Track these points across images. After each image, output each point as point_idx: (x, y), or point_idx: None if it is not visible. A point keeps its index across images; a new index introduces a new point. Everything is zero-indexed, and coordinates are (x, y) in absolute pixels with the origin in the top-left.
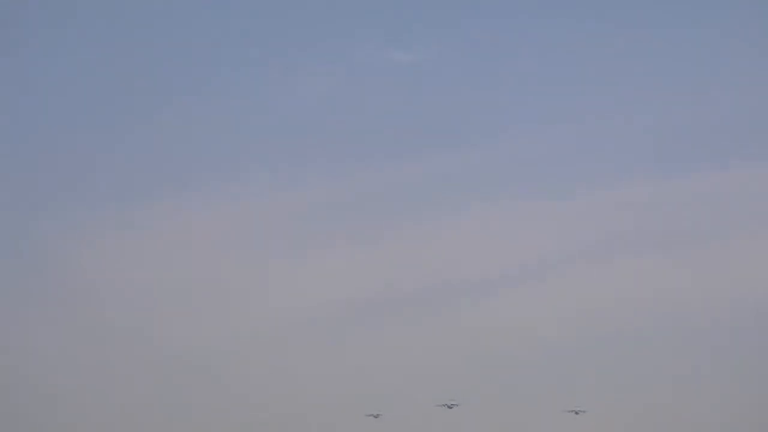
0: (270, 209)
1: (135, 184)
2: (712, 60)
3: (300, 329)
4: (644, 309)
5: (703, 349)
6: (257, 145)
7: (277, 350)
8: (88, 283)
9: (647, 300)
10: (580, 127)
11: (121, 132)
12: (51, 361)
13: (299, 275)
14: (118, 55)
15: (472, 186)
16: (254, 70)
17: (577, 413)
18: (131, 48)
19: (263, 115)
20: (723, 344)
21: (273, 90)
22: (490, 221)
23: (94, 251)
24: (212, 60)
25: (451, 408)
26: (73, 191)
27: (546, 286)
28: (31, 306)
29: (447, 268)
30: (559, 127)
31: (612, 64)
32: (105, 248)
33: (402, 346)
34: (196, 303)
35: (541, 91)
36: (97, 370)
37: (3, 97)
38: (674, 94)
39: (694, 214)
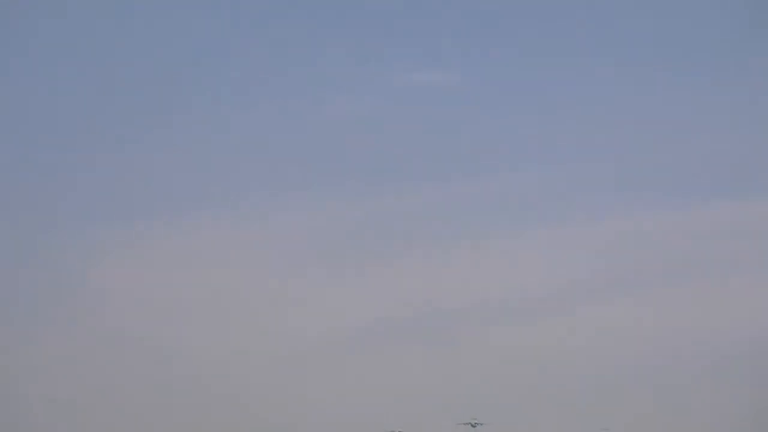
0: (291, 229)
1: (151, 198)
2: (714, 92)
3: (320, 349)
4: (668, 338)
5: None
6: (279, 163)
7: (295, 369)
8: (99, 295)
9: (672, 329)
10: (612, 160)
11: (137, 143)
12: (57, 370)
13: (321, 295)
14: (135, 64)
15: (498, 212)
16: (282, 87)
17: None
18: (155, 57)
19: (288, 132)
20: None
21: (301, 108)
22: (516, 248)
23: (105, 265)
24: (240, 73)
25: (474, 427)
26: (86, 204)
27: (574, 314)
28: (38, 316)
29: (471, 292)
30: (588, 156)
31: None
32: (117, 262)
33: (424, 367)
34: (211, 320)
35: (574, 116)
36: (103, 380)
37: (9, 106)
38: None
39: (711, 244)
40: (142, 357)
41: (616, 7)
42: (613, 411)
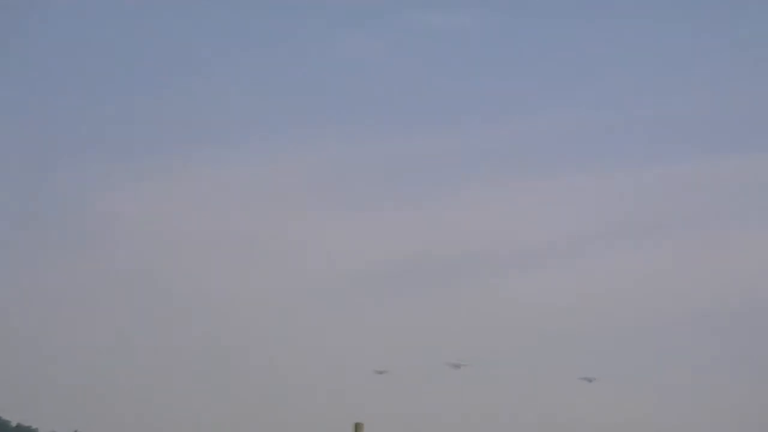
0: (294, 168)
1: (163, 136)
2: (715, 51)
3: (317, 290)
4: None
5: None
6: (285, 103)
7: (292, 308)
8: (103, 227)
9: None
10: (617, 108)
11: (147, 84)
12: (61, 307)
13: (321, 236)
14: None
15: (505, 160)
16: (289, 28)
17: (590, 381)
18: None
19: (297, 74)
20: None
21: (308, 49)
22: (523, 197)
23: (110, 198)
24: (250, 12)
25: (458, 368)
26: (100, 142)
27: (575, 263)
28: (45, 252)
29: (473, 239)
30: (592, 104)
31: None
32: (123, 195)
33: (419, 311)
34: (211, 257)
35: (584, 65)
36: (107, 315)
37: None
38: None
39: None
40: (143, 291)
41: None
42: (600, 361)
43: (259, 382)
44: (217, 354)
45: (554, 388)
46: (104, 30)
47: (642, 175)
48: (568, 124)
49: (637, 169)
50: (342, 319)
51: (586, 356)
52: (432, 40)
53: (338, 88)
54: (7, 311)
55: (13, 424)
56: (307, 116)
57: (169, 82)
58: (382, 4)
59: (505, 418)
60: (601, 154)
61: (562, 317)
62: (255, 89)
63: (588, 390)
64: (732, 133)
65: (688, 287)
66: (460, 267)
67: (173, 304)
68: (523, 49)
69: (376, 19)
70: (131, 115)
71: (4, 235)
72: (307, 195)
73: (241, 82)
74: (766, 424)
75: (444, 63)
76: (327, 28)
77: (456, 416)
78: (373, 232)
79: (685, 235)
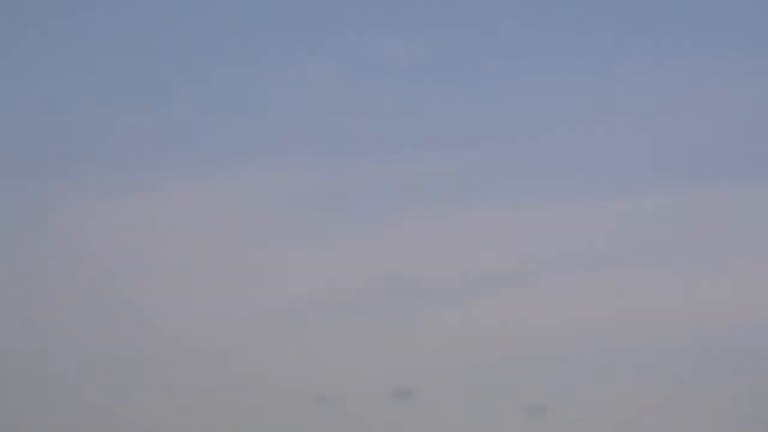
0: (262, 194)
1: (122, 159)
2: (718, 78)
3: (270, 317)
4: (633, 322)
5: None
6: (250, 128)
7: (245, 334)
8: (91, 254)
9: (637, 313)
10: (583, 134)
11: (112, 104)
12: (47, 330)
13: (282, 262)
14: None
15: (470, 186)
16: (249, 58)
17: (540, 411)
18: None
19: (261, 97)
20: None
21: (266, 78)
22: (487, 222)
23: (72, 223)
24: (213, 37)
25: (404, 396)
26: (84, 162)
27: (537, 291)
28: (31, 272)
29: (433, 265)
30: (561, 131)
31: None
32: (86, 222)
33: (368, 338)
34: (194, 282)
35: (545, 91)
36: (90, 338)
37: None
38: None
39: (695, 229)
40: (129, 318)
41: None
42: (553, 389)
43: (205, 402)
44: (184, 378)
45: (503, 417)
46: (76, 42)
47: (599, 206)
48: (536, 150)
49: (596, 200)
50: (290, 347)
51: (539, 385)
52: (391, 65)
53: (305, 113)
54: None
55: None
56: (273, 142)
57: (141, 98)
58: (334, 31)
59: None
60: (568, 182)
61: (514, 345)
62: (231, 111)
63: (539, 420)
64: (704, 165)
65: (652, 318)
66: (412, 294)
67: (142, 330)
68: (491, 73)
69: (327, 47)
70: (100, 132)
71: None
72: (271, 221)
73: (215, 104)
74: None
75: (403, 88)
76: (279, 57)
77: None
78: (331, 258)
79: (654, 266)
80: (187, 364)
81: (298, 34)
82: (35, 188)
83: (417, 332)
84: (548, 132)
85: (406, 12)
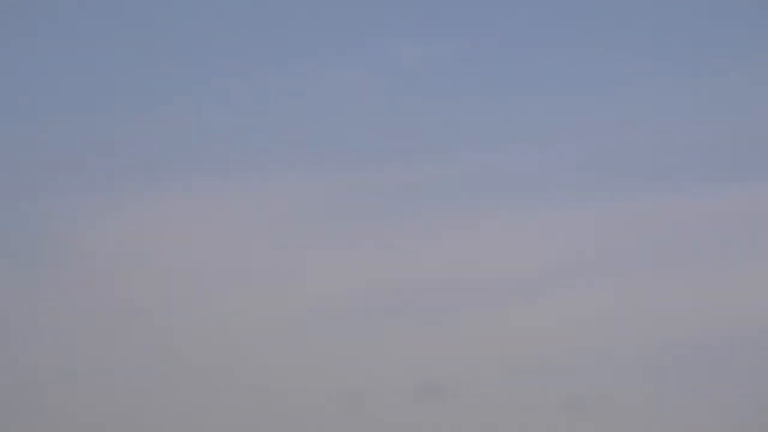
0: (282, 197)
1: (144, 162)
2: (717, 79)
3: (302, 322)
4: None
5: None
6: (271, 132)
7: (265, 338)
8: (90, 259)
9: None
10: (595, 138)
11: (132, 106)
12: (53, 340)
13: (305, 268)
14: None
15: (495, 189)
16: (278, 54)
17: (574, 409)
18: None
19: (282, 101)
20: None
21: (283, 83)
22: (513, 225)
23: (96, 228)
24: (233, 40)
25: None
26: (88, 170)
27: (555, 297)
28: (35, 282)
29: (454, 270)
30: (571, 136)
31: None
32: (109, 225)
33: (396, 341)
34: (202, 287)
35: (557, 93)
36: (98, 347)
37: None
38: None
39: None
40: (137, 325)
41: None
42: (582, 390)
43: (235, 404)
44: (206, 385)
45: (532, 417)
46: (82, 49)
47: (623, 208)
48: (559, 154)
49: (619, 203)
50: (319, 351)
51: (568, 387)
52: (411, 68)
53: (327, 117)
54: None
55: None
56: (294, 145)
57: (151, 106)
58: (353, 34)
59: None
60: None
61: (541, 347)
62: (241, 116)
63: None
64: (707, 164)
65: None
66: (441, 297)
67: (166, 336)
68: (507, 78)
69: (345, 50)
70: (109, 141)
71: None
72: (291, 225)
73: (226, 109)
74: None
75: (421, 92)
76: (297, 61)
77: None
78: (356, 262)
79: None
80: (209, 367)
81: (319, 36)
82: (46, 190)
83: (444, 335)
84: (570, 136)
85: (424, 16)
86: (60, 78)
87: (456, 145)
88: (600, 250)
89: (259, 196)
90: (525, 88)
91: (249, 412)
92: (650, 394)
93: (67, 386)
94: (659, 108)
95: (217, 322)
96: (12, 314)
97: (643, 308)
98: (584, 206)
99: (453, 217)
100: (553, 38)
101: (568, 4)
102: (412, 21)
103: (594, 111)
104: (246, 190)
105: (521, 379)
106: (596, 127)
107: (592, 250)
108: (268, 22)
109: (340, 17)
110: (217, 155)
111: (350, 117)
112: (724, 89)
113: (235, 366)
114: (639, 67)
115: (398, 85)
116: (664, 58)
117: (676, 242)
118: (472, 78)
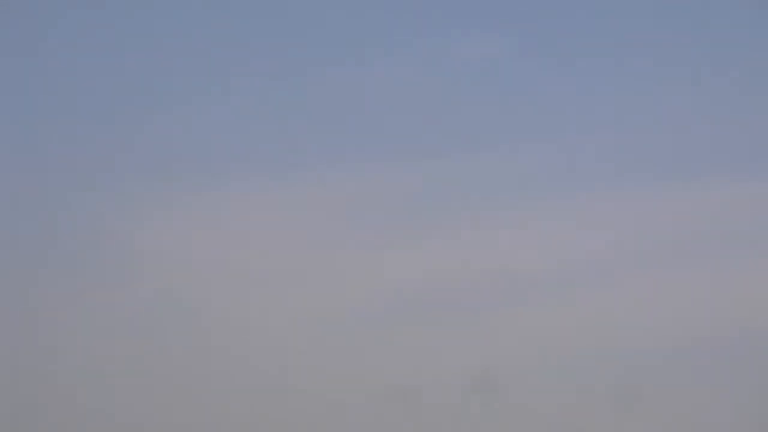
0: (333, 197)
1: (195, 161)
2: (718, 73)
3: (345, 319)
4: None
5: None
6: (325, 130)
7: (299, 339)
8: (141, 258)
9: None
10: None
11: (181, 106)
12: (96, 337)
13: (351, 267)
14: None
15: (553, 183)
16: (327, 52)
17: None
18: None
19: (335, 98)
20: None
21: (333, 78)
22: (567, 220)
23: (148, 227)
24: (282, 38)
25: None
26: (128, 166)
27: (614, 287)
28: (80, 279)
29: (495, 267)
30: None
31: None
32: (161, 224)
33: (443, 337)
34: (255, 286)
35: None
36: (146, 345)
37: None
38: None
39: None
40: (184, 322)
41: None
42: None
43: (279, 401)
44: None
45: (583, 409)
46: (118, 46)
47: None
48: (612, 147)
49: (665, 196)
50: (377, 342)
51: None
52: (458, 67)
53: (379, 115)
54: (25, 351)
55: None
56: (348, 144)
57: (208, 106)
58: (404, 31)
59: None
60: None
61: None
62: (292, 119)
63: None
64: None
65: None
66: (498, 291)
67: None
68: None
69: (397, 47)
70: (153, 140)
71: (21, 268)
72: (344, 223)
73: (277, 111)
74: None
75: (466, 91)
76: (347, 58)
77: None
78: (405, 259)
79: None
80: (279, 361)
81: (382, 36)
82: (106, 191)
83: (501, 329)
84: (625, 128)
85: (482, 15)
86: (109, 78)
87: (520, 139)
88: (639, 247)
89: (315, 196)
90: (583, 82)
91: (300, 406)
92: (700, 386)
93: (122, 381)
94: (672, 110)
95: (270, 319)
96: (63, 311)
97: (685, 301)
98: (622, 201)
99: (494, 214)
100: (605, 34)
101: (585, 7)
102: (468, 20)
103: (620, 111)
104: (297, 191)
105: (563, 371)
106: (623, 127)
107: (631, 245)
108: (335, 25)
109: (401, 18)
110: (272, 156)
111: (416, 115)
112: (723, 89)
113: (289, 363)
114: (673, 66)
115: (458, 83)
116: (682, 63)
117: (699, 237)
118: (529, 74)
